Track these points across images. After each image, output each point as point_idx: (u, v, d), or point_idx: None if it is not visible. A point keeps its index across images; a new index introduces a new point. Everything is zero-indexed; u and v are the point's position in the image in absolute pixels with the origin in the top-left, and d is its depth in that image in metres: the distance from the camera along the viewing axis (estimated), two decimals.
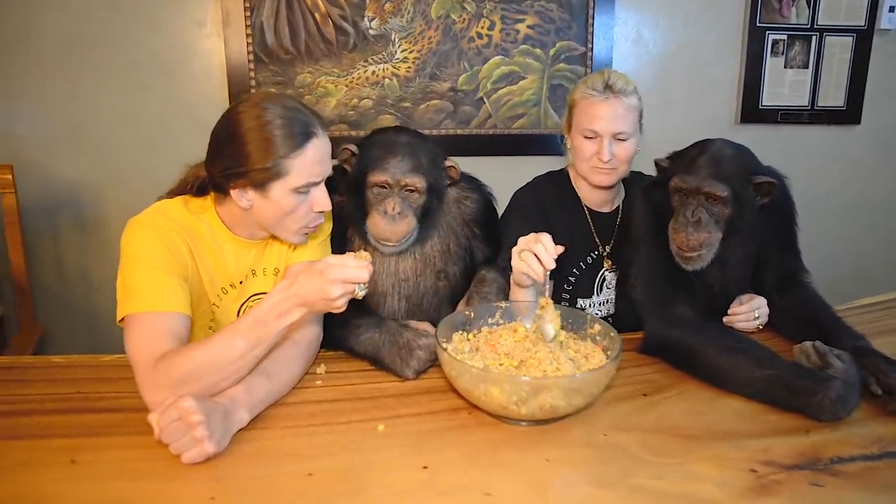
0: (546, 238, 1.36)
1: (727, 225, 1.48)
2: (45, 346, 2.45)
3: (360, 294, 1.18)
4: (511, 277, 1.52)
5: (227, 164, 1.30)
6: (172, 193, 1.46)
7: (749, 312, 1.56)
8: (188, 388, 1.13)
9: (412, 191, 1.56)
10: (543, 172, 1.89)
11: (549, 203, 1.77)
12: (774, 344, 1.47)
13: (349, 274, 1.14)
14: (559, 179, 1.84)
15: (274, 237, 1.47)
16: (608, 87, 1.66)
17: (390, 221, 1.53)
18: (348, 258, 1.17)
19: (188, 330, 1.30)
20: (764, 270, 1.62)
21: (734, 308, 1.58)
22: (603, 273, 1.79)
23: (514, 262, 1.42)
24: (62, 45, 2.44)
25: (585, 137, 1.69)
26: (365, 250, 1.47)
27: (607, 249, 1.81)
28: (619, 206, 1.84)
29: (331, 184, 1.43)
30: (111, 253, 2.61)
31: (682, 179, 1.50)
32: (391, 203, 1.54)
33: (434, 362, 1.38)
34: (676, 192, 1.52)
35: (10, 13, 2.39)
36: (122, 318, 1.28)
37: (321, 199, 1.35)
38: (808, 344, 1.32)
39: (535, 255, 1.36)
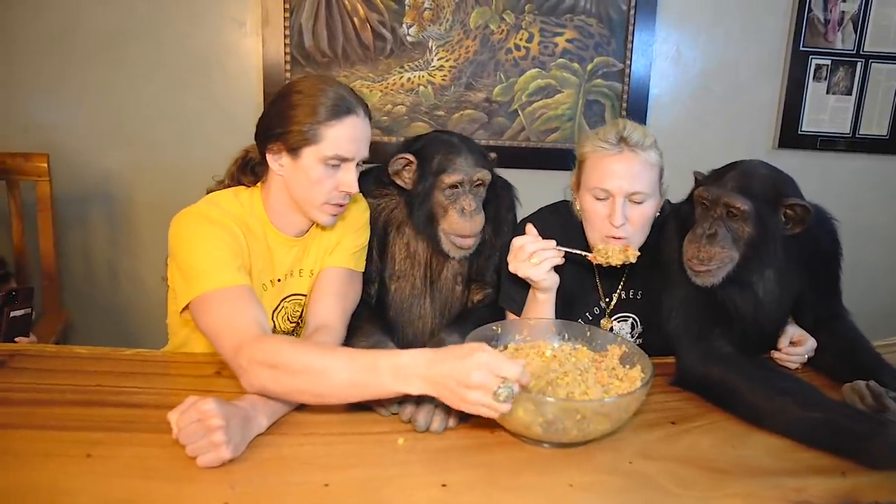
0: (531, 244, 1.41)
1: (747, 246, 1.40)
2: (68, 333, 2.47)
3: (502, 395, 1.00)
4: (531, 290, 1.50)
5: (271, 123, 1.37)
6: (222, 184, 1.49)
7: (802, 355, 1.49)
8: (278, 377, 1.11)
9: (480, 185, 1.63)
10: (550, 203, 1.74)
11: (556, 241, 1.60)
12: (812, 381, 1.41)
13: (501, 364, 1.00)
14: (568, 219, 1.63)
15: (313, 232, 1.51)
16: (622, 140, 1.47)
17: (469, 219, 1.59)
18: (503, 356, 1.05)
19: (259, 301, 1.30)
20: (803, 310, 1.56)
21: (786, 347, 1.50)
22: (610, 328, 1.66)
23: (530, 272, 1.42)
24: (103, 39, 2.47)
25: (596, 198, 1.49)
26: (415, 253, 1.63)
27: (612, 303, 1.67)
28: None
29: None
30: (138, 245, 2.66)
31: (705, 189, 1.42)
32: (467, 200, 1.59)
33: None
34: (699, 202, 1.44)
35: (58, 6, 2.43)
36: (188, 304, 1.29)
37: (347, 181, 1.38)
38: (860, 383, 1.25)
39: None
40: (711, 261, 1.39)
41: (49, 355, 1.47)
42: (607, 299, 1.68)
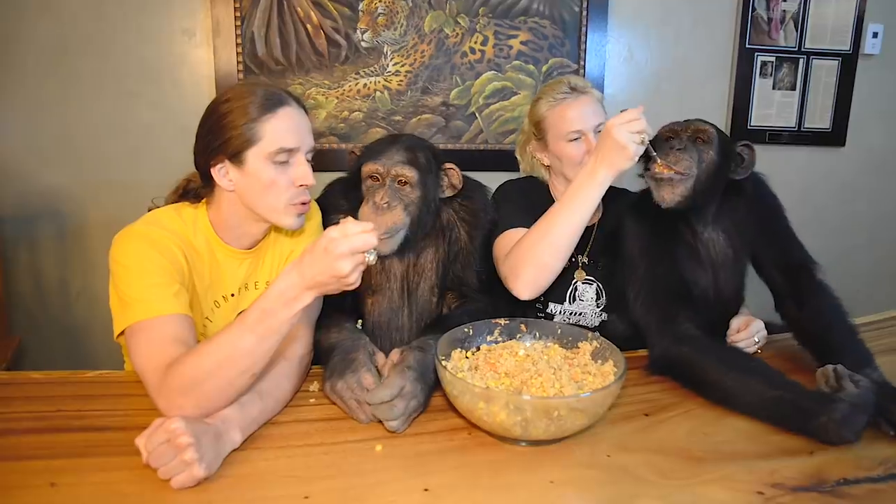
0: (643, 123, 1.42)
1: (707, 172, 1.49)
2: (20, 358, 2.37)
3: (372, 259, 1.09)
4: (595, 166, 1.47)
5: (208, 141, 1.33)
6: (166, 202, 1.44)
7: (749, 338, 1.54)
8: (202, 391, 1.08)
9: (404, 183, 1.54)
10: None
11: (535, 202, 1.74)
12: (777, 363, 1.44)
13: (356, 243, 1.06)
14: (540, 187, 1.87)
15: (267, 242, 1.48)
16: (574, 89, 1.73)
17: (376, 213, 1.49)
18: (350, 225, 1.08)
19: (194, 331, 1.26)
20: (767, 271, 1.61)
21: (733, 335, 1.55)
22: (575, 283, 1.77)
23: (630, 145, 1.40)
24: (48, 53, 2.39)
25: (570, 141, 1.71)
26: (390, 267, 1.57)
27: (581, 260, 1.78)
28: (595, 223, 1.81)
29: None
30: (91, 263, 2.57)
31: (675, 122, 1.57)
32: (380, 193, 1.51)
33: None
34: (666, 138, 1.55)
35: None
36: (122, 332, 1.24)
37: (301, 174, 1.34)
38: (828, 368, 1.30)
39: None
40: (679, 164, 1.48)
41: (2, 382, 1.40)
42: (579, 255, 1.80)
